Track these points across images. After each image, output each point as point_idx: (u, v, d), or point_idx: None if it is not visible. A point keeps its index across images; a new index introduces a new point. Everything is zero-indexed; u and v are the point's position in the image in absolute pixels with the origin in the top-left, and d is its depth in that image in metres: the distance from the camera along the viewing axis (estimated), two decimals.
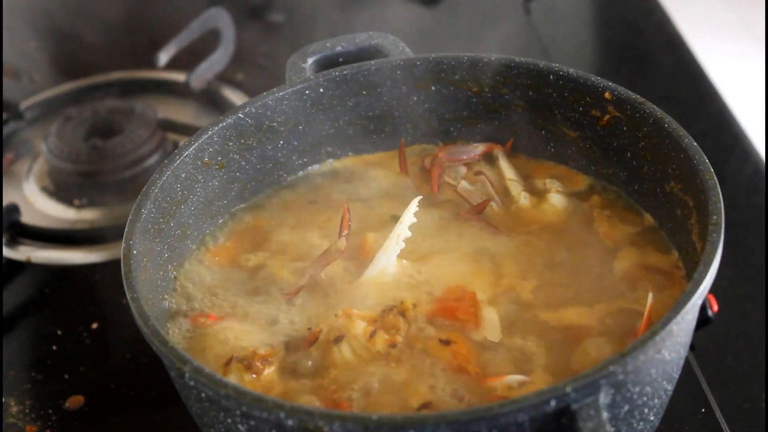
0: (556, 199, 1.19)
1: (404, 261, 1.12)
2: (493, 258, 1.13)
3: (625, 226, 1.16)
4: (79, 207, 1.55)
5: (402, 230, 1.11)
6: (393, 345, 1.03)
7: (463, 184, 1.22)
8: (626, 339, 1.01)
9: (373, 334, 1.04)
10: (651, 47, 1.77)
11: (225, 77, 1.76)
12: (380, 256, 1.11)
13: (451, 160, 1.25)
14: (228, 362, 1.04)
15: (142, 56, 1.77)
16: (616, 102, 1.15)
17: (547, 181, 1.22)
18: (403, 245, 1.11)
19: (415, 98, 1.27)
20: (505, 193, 1.22)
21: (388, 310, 1.06)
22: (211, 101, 1.72)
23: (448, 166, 1.24)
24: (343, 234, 1.12)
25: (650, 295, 1.02)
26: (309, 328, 1.07)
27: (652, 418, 0.97)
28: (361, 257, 1.14)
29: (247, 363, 1.03)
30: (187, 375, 0.90)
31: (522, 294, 1.09)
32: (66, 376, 1.28)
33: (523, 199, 1.20)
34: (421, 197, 1.14)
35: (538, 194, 1.21)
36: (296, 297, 1.11)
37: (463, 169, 1.24)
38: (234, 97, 1.70)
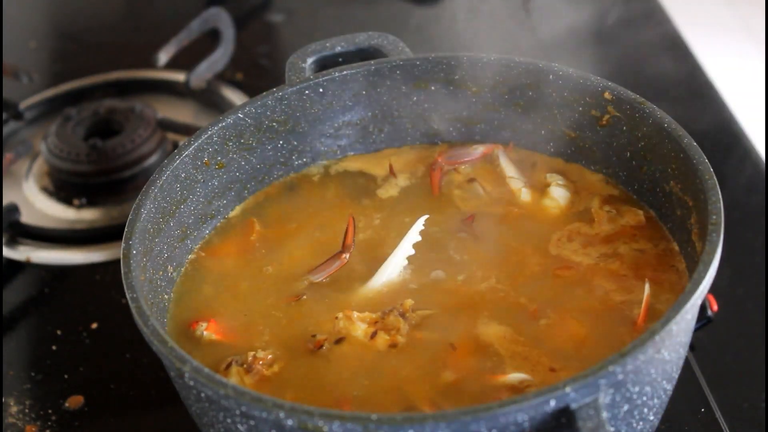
0: (558, 192, 1.19)
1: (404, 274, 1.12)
2: (488, 268, 1.12)
3: (625, 223, 1.15)
4: (79, 207, 1.55)
5: (406, 248, 1.11)
6: (394, 345, 1.03)
7: (456, 195, 1.22)
8: (626, 335, 1.02)
9: (374, 335, 1.04)
10: (651, 47, 1.76)
11: (225, 77, 1.75)
12: (382, 272, 1.11)
13: (451, 163, 1.25)
14: (228, 366, 1.04)
15: (141, 56, 1.77)
16: (616, 102, 1.15)
17: (548, 175, 1.22)
18: (405, 263, 1.11)
19: (415, 98, 1.26)
20: (505, 193, 1.22)
21: (388, 312, 1.06)
22: (211, 101, 1.72)
23: (447, 172, 1.24)
24: (347, 246, 1.12)
25: (647, 286, 1.03)
26: (313, 335, 1.06)
27: (651, 417, 0.97)
28: (363, 266, 1.14)
29: (247, 366, 1.03)
30: (186, 375, 0.90)
31: (521, 300, 1.08)
32: (66, 376, 1.28)
33: (524, 194, 1.20)
34: (428, 216, 1.13)
35: (540, 189, 1.21)
36: (296, 302, 1.11)
37: (456, 178, 1.23)
38: (234, 97, 1.70)
